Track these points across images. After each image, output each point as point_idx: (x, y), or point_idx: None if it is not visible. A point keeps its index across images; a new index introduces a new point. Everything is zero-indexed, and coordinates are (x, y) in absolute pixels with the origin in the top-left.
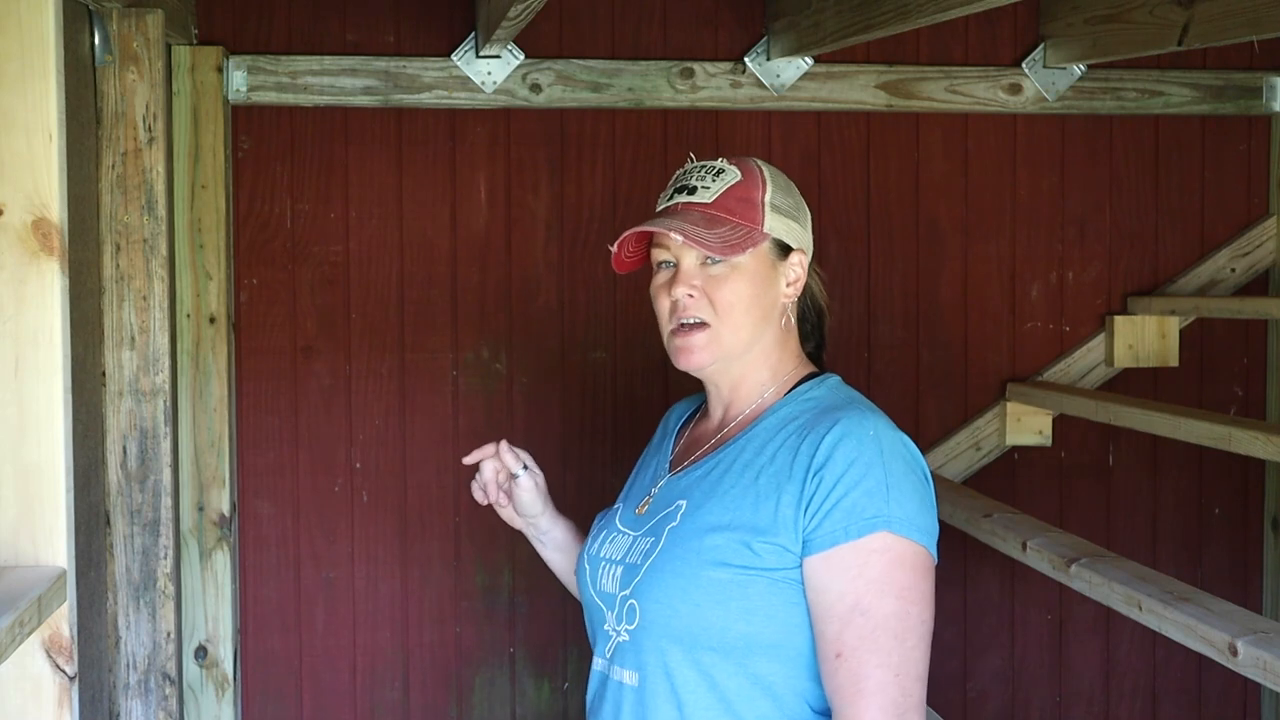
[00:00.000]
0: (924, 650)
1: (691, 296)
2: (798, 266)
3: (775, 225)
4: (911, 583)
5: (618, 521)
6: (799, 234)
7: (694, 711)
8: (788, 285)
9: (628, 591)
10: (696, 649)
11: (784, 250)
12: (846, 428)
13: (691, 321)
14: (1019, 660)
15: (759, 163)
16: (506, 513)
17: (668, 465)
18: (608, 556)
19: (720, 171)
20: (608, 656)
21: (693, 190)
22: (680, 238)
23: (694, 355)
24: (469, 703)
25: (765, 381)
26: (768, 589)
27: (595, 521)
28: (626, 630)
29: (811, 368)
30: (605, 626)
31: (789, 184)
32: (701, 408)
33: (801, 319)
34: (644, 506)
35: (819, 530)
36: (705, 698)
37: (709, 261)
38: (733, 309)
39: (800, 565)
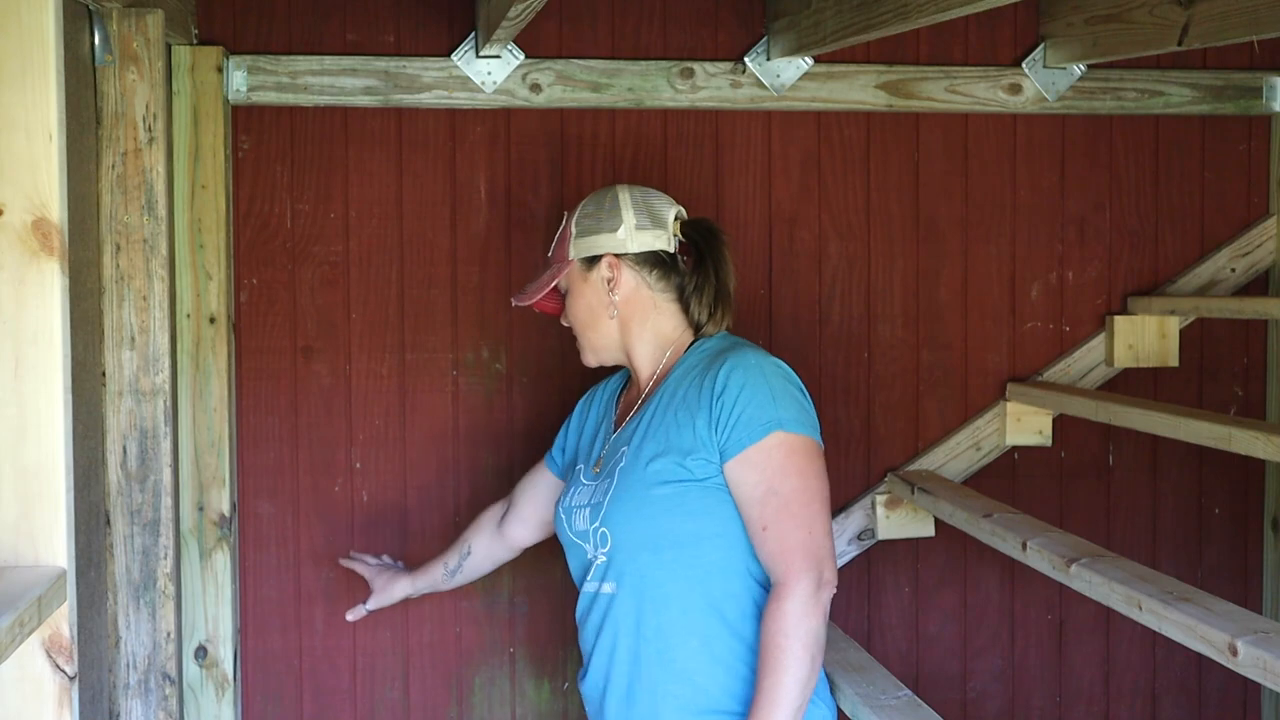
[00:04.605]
0: (826, 511)
1: (565, 321)
2: (605, 269)
3: (578, 248)
4: (805, 464)
5: (581, 478)
6: (605, 239)
7: (649, 605)
8: (609, 285)
9: (597, 524)
10: (660, 549)
11: (593, 261)
12: (735, 362)
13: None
14: (1019, 660)
15: (593, 194)
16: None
17: (612, 428)
18: (577, 504)
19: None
20: (591, 577)
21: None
22: (514, 302)
23: (584, 358)
24: (469, 703)
25: (657, 350)
26: (701, 493)
27: (567, 481)
28: (603, 554)
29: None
30: (588, 557)
31: (605, 196)
32: (627, 381)
33: (700, 289)
34: (599, 465)
35: (730, 440)
36: (657, 594)
37: (560, 293)
38: (579, 321)
39: (722, 471)
